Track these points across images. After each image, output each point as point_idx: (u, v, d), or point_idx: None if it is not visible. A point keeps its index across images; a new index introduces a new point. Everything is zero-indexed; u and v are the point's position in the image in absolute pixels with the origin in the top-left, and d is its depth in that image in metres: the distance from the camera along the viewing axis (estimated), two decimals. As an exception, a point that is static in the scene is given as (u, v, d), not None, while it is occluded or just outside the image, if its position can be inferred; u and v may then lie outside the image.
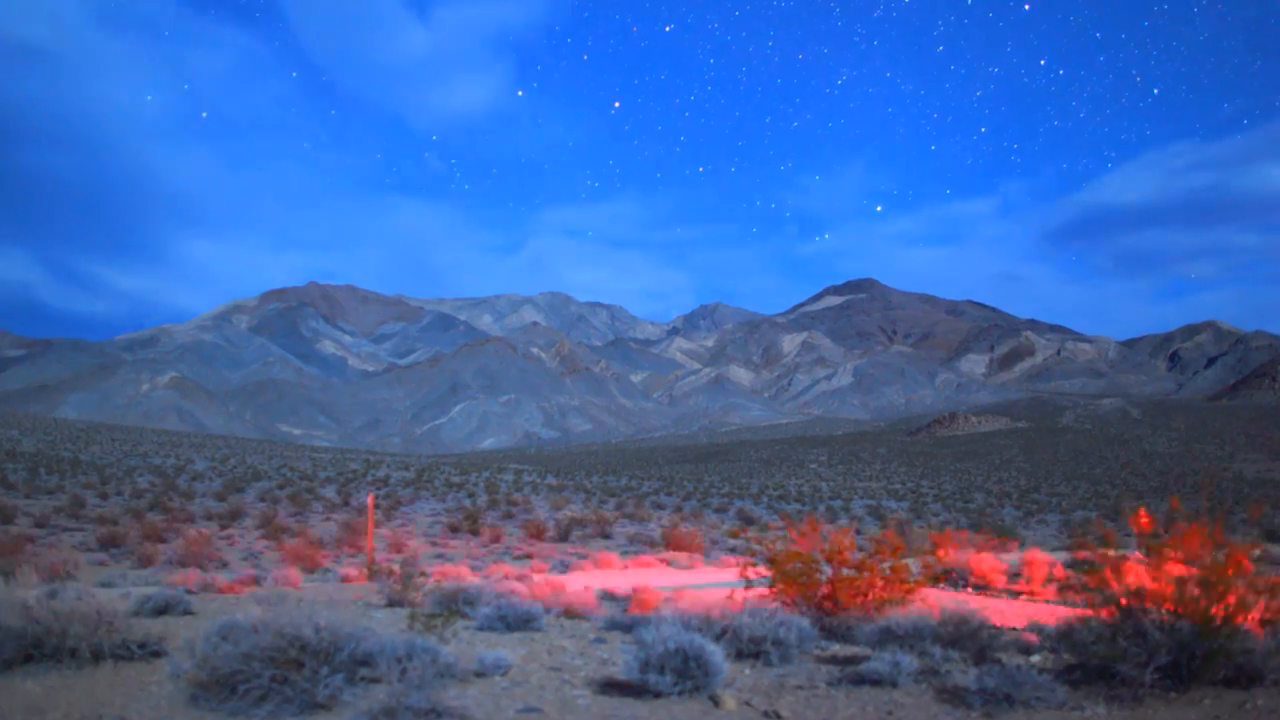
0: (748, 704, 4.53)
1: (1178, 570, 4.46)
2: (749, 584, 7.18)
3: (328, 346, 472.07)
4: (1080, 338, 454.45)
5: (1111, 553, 4.69)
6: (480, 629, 6.89)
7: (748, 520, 36.57)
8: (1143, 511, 4.83)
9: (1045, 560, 12.16)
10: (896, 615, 5.96)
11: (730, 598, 6.65)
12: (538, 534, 26.28)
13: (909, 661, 4.95)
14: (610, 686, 4.90)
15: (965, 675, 4.83)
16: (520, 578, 12.04)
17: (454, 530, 26.91)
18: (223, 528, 25.18)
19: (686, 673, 4.66)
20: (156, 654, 5.29)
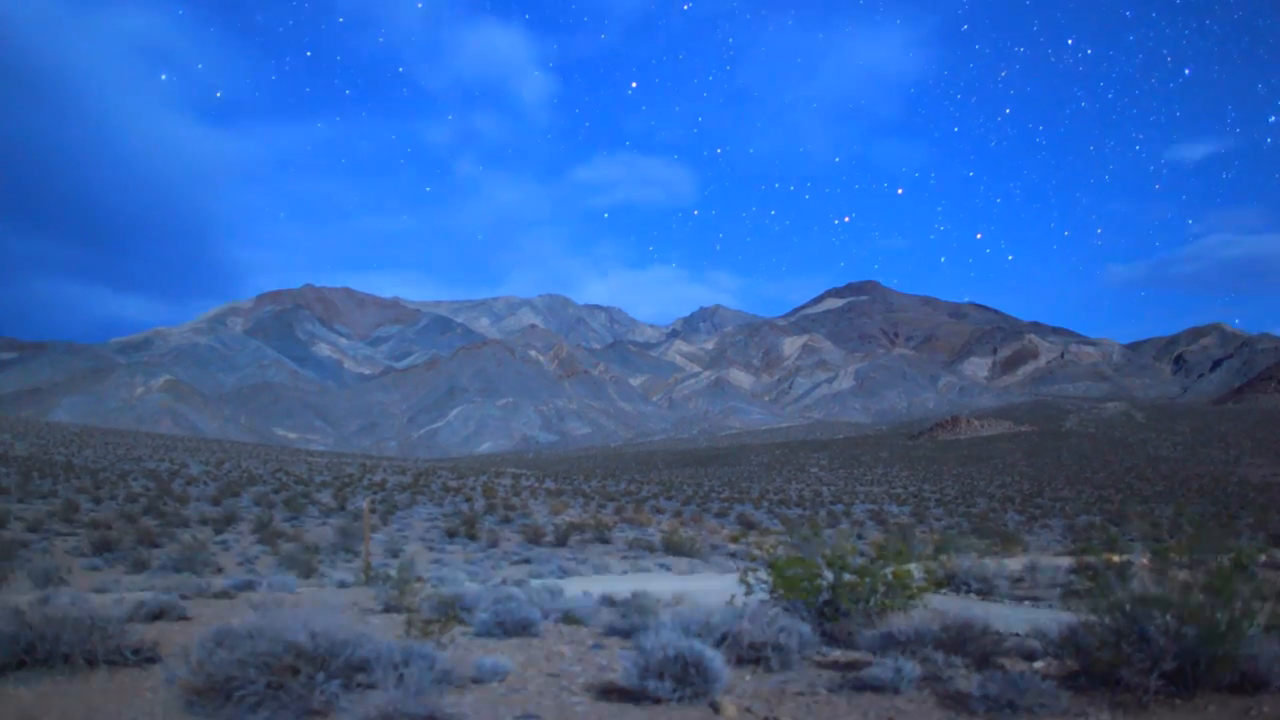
0: (748, 710, 4.49)
1: (1183, 575, 4.44)
2: (749, 589, 7.13)
3: (323, 349, 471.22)
4: (1084, 340, 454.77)
5: (1116, 557, 4.67)
6: (478, 635, 6.83)
7: (748, 525, 36.47)
8: None
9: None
10: (898, 621, 5.92)
11: (731, 603, 6.60)
12: (536, 538, 26.19)
13: (911, 667, 4.91)
14: (609, 693, 4.85)
15: (968, 681, 4.79)
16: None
17: (451, 535, 26.79)
18: (217, 532, 25.04)
19: (686, 679, 4.62)
20: (151, 660, 5.23)
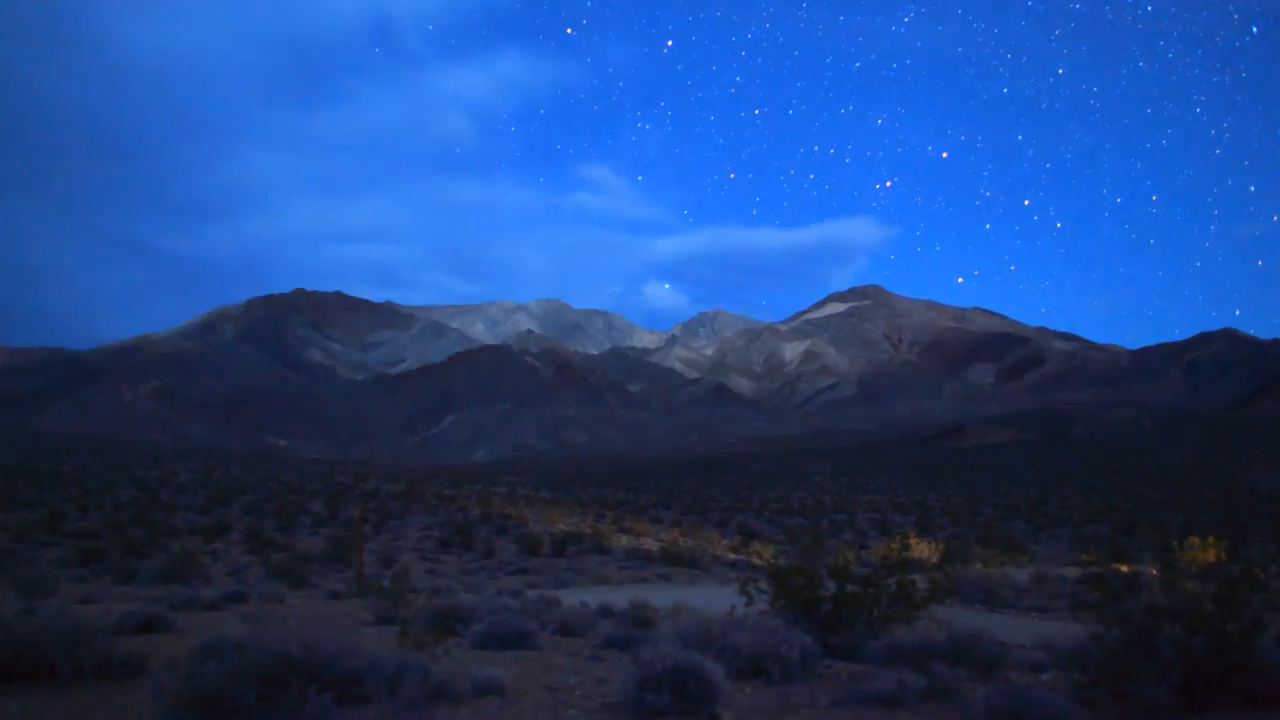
0: (750, 724, 4.40)
1: (1193, 586, 4.38)
2: (750, 600, 7.04)
3: (315, 355, 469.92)
4: (1092, 345, 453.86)
5: (1125, 567, 4.61)
6: (473, 646, 6.73)
7: (749, 534, 36.37)
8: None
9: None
10: (903, 632, 5.85)
11: (731, 614, 6.50)
12: (533, 548, 26.01)
13: (916, 680, 4.83)
14: (606, 706, 4.75)
15: (973, 694, 4.71)
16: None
17: (446, 544, 26.61)
18: (207, 542, 24.78)
19: (685, 692, 4.52)
20: (139, 672, 5.12)
